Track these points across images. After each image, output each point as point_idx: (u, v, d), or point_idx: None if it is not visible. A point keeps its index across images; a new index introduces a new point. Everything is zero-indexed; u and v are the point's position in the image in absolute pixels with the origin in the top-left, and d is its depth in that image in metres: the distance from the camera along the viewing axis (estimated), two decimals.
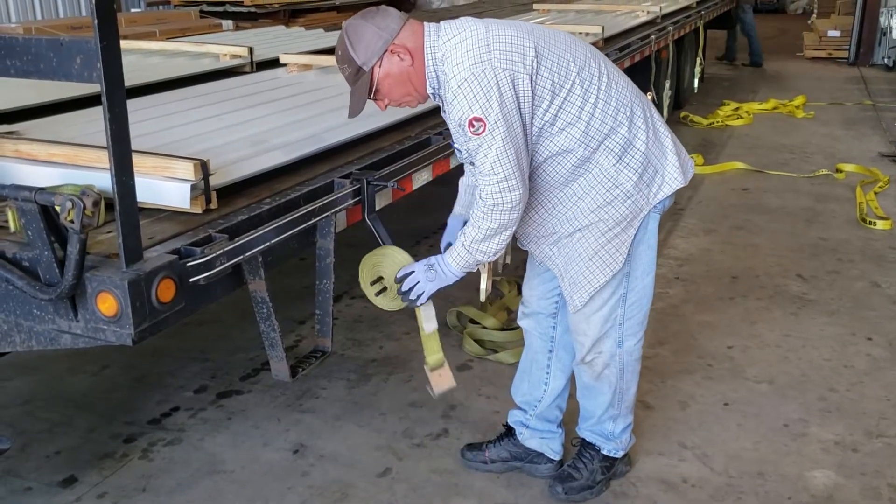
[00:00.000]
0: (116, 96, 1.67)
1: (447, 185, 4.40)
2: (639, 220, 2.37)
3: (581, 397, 2.68)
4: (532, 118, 2.18)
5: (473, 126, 2.10)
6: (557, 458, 2.77)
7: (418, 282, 2.33)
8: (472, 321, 3.84)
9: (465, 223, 2.51)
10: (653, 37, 6.03)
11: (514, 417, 2.82)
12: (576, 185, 2.32)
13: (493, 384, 3.35)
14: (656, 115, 2.41)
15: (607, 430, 2.67)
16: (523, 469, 2.79)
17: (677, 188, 2.39)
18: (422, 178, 2.95)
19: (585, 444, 2.72)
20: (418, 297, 2.34)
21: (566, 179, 2.31)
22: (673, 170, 2.38)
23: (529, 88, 2.14)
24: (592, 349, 2.53)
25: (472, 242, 2.25)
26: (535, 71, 2.14)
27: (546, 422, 2.76)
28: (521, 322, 2.78)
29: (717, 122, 7.94)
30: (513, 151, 2.12)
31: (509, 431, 2.82)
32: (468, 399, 3.25)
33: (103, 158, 1.76)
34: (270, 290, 2.19)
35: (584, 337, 2.53)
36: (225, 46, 4.40)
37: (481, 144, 2.11)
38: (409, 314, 3.98)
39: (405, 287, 2.34)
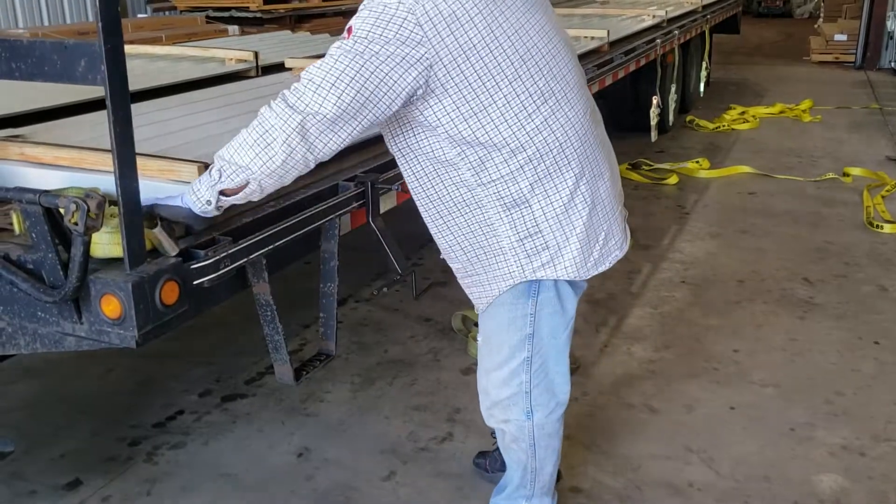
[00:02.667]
0: (121, 99, 1.67)
1: None
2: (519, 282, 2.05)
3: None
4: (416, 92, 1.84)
5: (343, 34, 1.81)
6: None
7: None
8: (477, 325, 3.83)
9: None
10: (658, 41, 6.03)
11: None
12: (457, 215, 2.04)
13: None
14: (602, 189, 2.06)
15: None
16: None
17: (567, 279, 2.04)
18: None
19: None
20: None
21: (448, 201, 2.02)
22: (570, 256, 2.01)
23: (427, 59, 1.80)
24: (494, 414, 2.27)
25: (226, 150, 1.81)
26: (445, 47, 1.80)
27: None
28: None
29: (724, 126, 7.92)
30: (358, 78, 1.75)
31: None
32: (473, 403, 3.22)
33: (108, 161, 1.76)
34: (275, 293, 2.18)
35: (483, 395, 2.30)
36: (230, 51, 4.40)
37: (331, 51, 1.80)
38: (416, 318, 4.00)
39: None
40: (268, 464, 2.88)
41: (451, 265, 2.24)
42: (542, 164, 1.95)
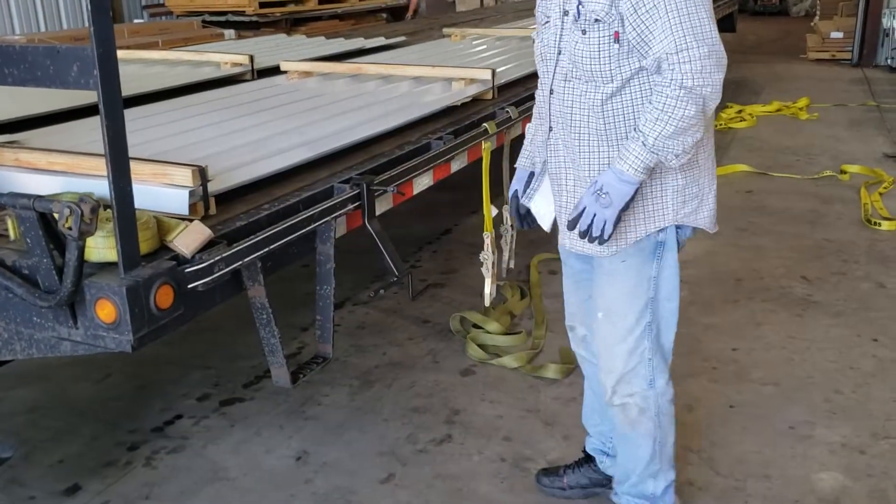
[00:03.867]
0: (113, 103, 1.67)
1: (451, 190, 4.41)
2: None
3: (618, 451, 2.47)
4: None
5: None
6: None
7: (594, 214, 2.04)
8: (476, 326, 3.84)
9: (530, 175, 2.41)
10: None
11: (592, 445, 2.66)
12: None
13: (497, 389, 3.34)
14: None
15: (648, 490, 2.42)
16: (603, 494, 2.63)
17: (700, 227, 2.21)
18: (422, 182, 2.95)
19: None
20: (602, 230, 2.04)
21: (627, 117, 2.08)
22: (709, 208, 2.21)
23: None
24: (618, 390, 2.31)
25: (657, 138, 1.96)
26: None
27: None
28: (574, 349, 2.59)
29: (721, 124, 7.92)
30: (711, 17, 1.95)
31: (588, 458, 2.68)
32: (471, 404, 3.24)
33: (102, 166, 1.76)
34: (270, 296, 2.18)
35: (607, 374, 2.32)
36: (226, 55, 4.41)
37: (676, 5, 1.93)
38: (414, 320, 4.00)
39: (582, 226, 2.06)
40: (266, 467, 2.88)
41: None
42: (710, 116, 2.06)
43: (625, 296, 2.23)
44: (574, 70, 2.11)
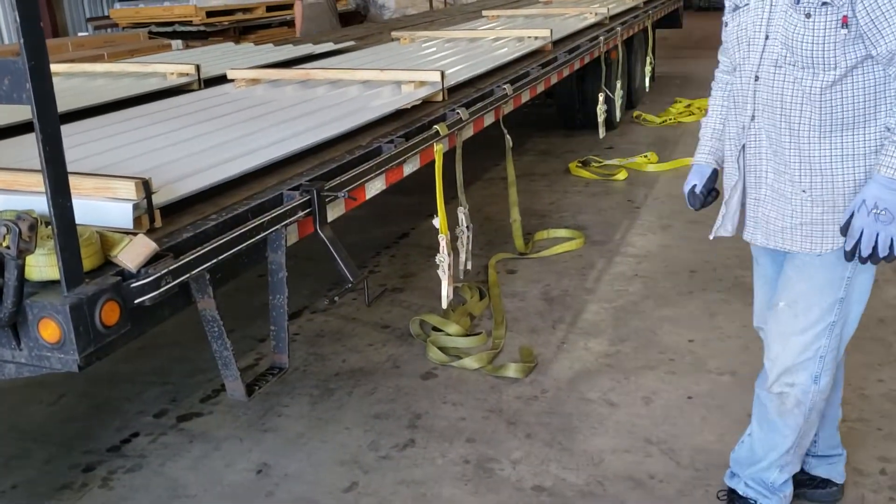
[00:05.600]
0: (48, 116, 1.62)
1: (408, 193, 4.40)
2: None
3: (755, 434, 2.40)
4: None
5: None
6: (842, 480, 2.58)
7: (877, 233, 1.97)
8: (436, 329, 3.83)
9: (713, 171, 2.40)
10: (601, 38, 6.08)
11: None
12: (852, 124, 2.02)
13: (459, 391, 3.33)
14: None
15: (770, 478, 2.37)
16: (805, 495, 2.57)
17: None
18: (375, 186, 2.92)
19: (737, 499, 2.44)
20: (891, 248, 1.97)
21: (854, 110, 2.01)
22: None
23: None
24: (781, 379, 2.26)
25: None
26: None
27: (830, 447, 2.55)
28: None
29: (670, 119, 8.02)
30: None
31: None
32: (434, 407, 3.23)
33: (42, 182, 1.72)
34: (221, 308, 2.14)
35: (772, 362, 2.27)
36: (171, 65, 4.34)
37: None
38: (374, 326, 3.97)
39: (866, 251, 1.98)
40: (226, 482, 2.83)
41: (808, 194, 2.11)
42: None
43: (814, 291, 2.18)
44: (789, 56, 2.03)
